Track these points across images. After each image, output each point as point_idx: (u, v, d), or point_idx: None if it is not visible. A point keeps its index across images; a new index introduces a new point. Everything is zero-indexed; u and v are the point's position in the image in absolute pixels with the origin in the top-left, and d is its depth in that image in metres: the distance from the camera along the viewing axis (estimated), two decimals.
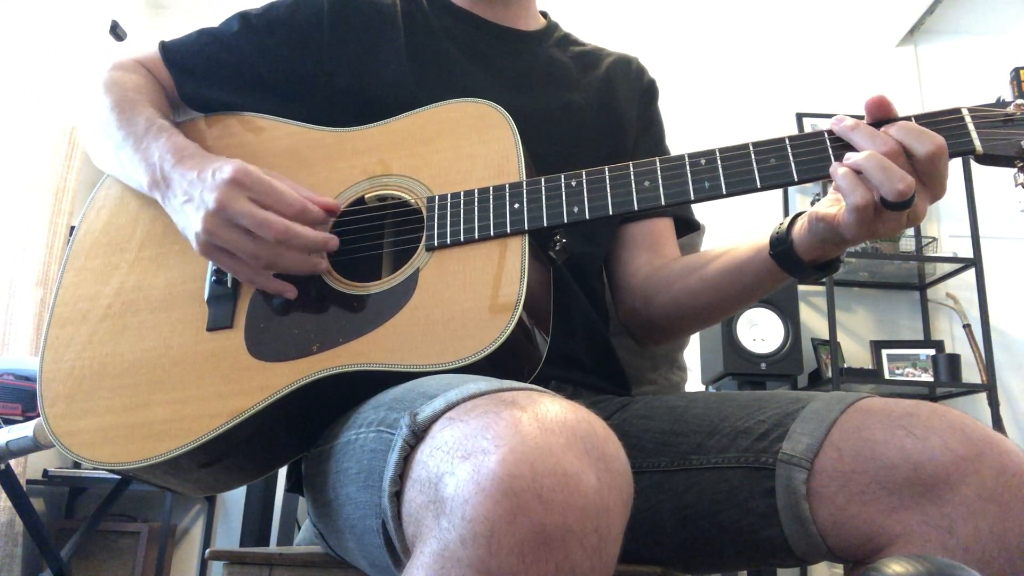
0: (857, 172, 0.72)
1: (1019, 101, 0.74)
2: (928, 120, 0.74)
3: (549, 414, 0.51)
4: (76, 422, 0.82)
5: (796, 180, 0.75)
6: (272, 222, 0.77)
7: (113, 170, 0.95)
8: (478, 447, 0.49)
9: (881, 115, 0.75)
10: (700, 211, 1.17)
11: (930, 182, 0.73)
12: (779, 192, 3.45)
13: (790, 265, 0.84)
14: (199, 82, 1.00)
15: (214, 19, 1.05)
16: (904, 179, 0.70)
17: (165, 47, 1.02)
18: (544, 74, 1.06)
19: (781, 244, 0.84)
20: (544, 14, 1.16)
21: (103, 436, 0.80)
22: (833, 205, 0.77)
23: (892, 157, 0.71)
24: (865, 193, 0.71)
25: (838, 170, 0.73)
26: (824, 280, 3.17)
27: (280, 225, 0.77)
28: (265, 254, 0.78)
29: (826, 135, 0.76)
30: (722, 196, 0.77)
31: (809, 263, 0.83)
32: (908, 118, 0.74)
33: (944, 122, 0.74)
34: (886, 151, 0.71)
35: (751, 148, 0.77)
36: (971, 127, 0.73)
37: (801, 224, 0.83)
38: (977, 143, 0.73)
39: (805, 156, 0.76)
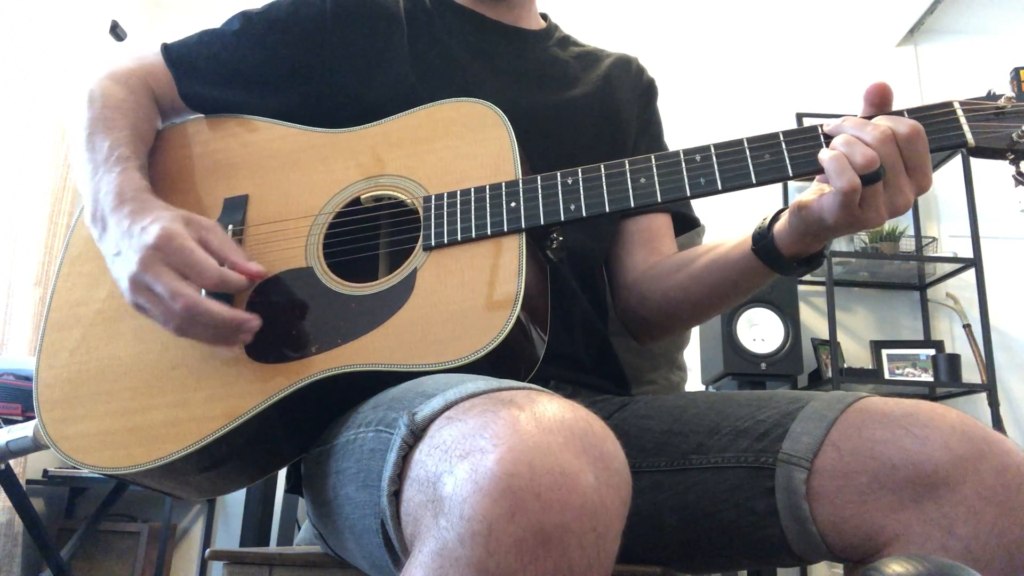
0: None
1: (1010, 95, 0.75)
2: (920, 114, 0.75)
3: (547, 413, 0.51)
4: (73, 426, 0.82)
5: (791, 175, 0.76)
6: (179, 294, 0.76)
7: (78, 188, 0.95)
8: (476, 446, 0.50)
9: (879, 100, 0.76)
10: (701, 210, 1.17)
11: (913, 171, 0.73)
12: (779, 190, 3.45)
13: (771, 260, 0.84)
14: (200, 82, 1.00)
15: (214, 18, 1.05)
16: (865, 153, 0.70)
17: (166, 48, 1.02)
18: (545, 72, 1.07)
19: (762, 239, 0.84)
20: (544, 16, 1.17)
21: (100, 440, 0.80)
22: (815, 194, 0.77)
23: (882, 142, 0.71)
24: (853, 178, 0.71)
25: (825, 154, 0.73)
26: (824, 280, 3.17)
27: (185, 299, 0.76)
28: (175, 323, 0.77)
29: (820, 129, 0.76)
30: (718, 192, 0.77)
31: (790, 257, 0.83)
32: (901, 112, 0.75)
33: (936, 115, 0.74)
34: (876, 135, 0.71)
35: (745, 143, 0.77)
36: (963, 120, 0.74)
37: (783, 219, 0.83)
38: (969, 136, 0.73)
39: (799, 150, 0.76)
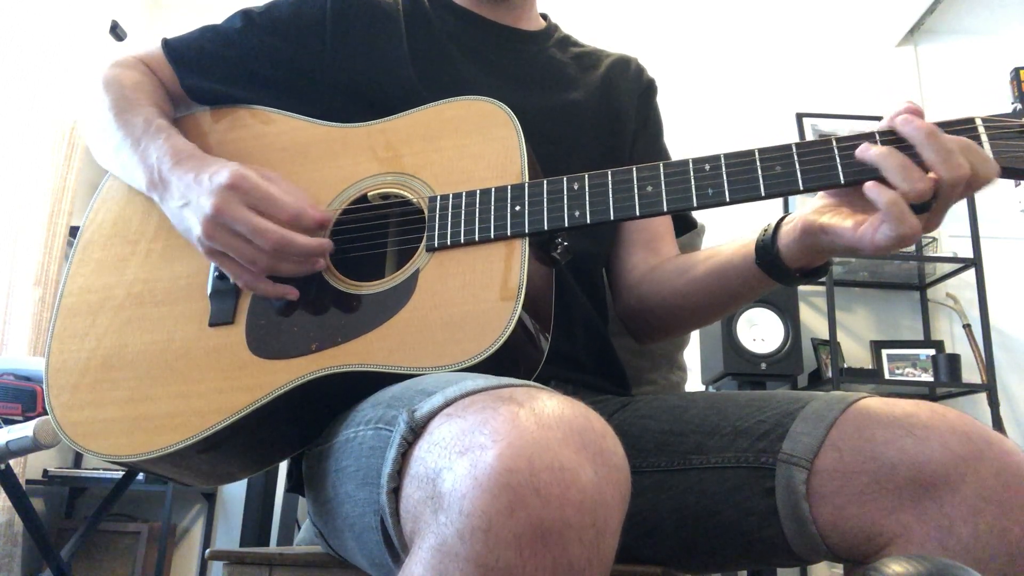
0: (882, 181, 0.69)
1: None
2: (942, 129, 0.71)
3: (546, 409, 0.52)
4: (80, 412, 0.82)
5: (801, 189, 0.73)
6: (268, 231, 0.77)
7: (114, 169, 0.96)
8: (476, 442, 0.50)
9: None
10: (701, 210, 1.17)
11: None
12: None
13: (777, 273, 0.83)
14: (202, 77, 1.00)
15: (214, 18, 1.05)
16: (923, 179, 0.68)
17: (167, 43, 1.02)
18: (544, 73, 1.07)
19: (767, 253, 0.83)
20: (544, 16, 1.17)
21: (105, 427, 0.81)
22: (834, 216, 0.75)
23: (958, 183, 0.68)
24: (915, 224, 0.68)
25: (885, 196, 0.68)
26: (824, 280, 3.17)
27: (276, 234, 0.77)
28: (263, 260, 0.79)
29: (834, 143, 0.73)
30: (725, 203, 0.75)
31: (797, 270, 0.82)
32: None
33: (957, 132, 0.71)
34: (958, 175, 0.67)
35: (756, 155, 0.75)
36: (984, 138, 0.71)
37: (788, 232, 0.81)
38: (989, 155, 0.70)
39: (812, 164, 0.73)
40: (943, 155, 0.68)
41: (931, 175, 0.68)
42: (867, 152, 0.70)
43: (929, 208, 0.70)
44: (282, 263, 0.79)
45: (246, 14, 1.01)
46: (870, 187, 0.70)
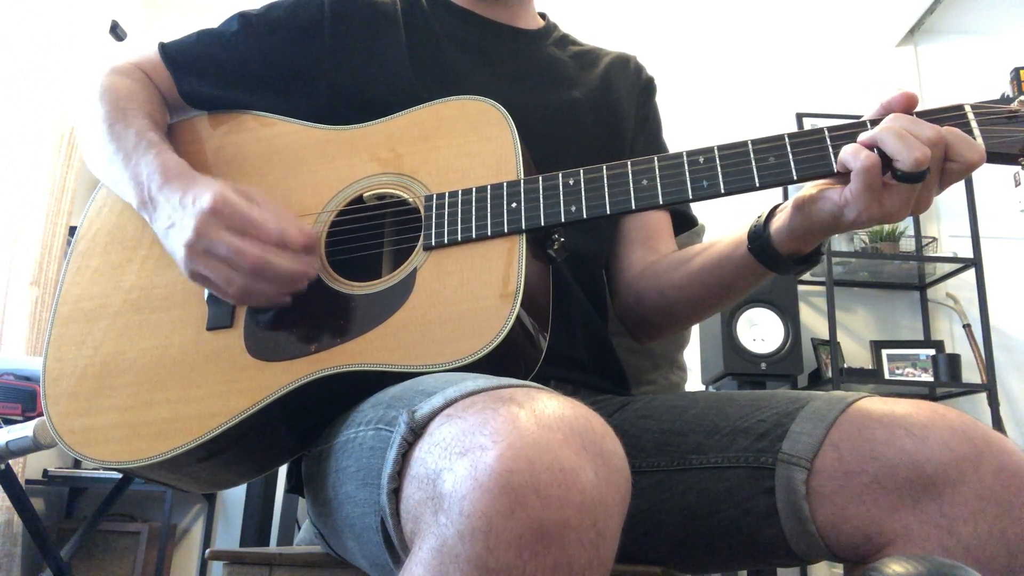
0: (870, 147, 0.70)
1: (1023, 97, 0.73)
2: (930, 117, 0.72)
3: (547, 410, 0.52)
4: (79, 420, 0.82)
5: (795, 179, 0.74)
6: (247, 252, 0.76)
7: (106, 182, 0.96)
8: (476, 443, 0.50)
9: (902, 110, 0.74)
10: (701, 209, 1.17)
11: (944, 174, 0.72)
12: (779, 189, 3.45)
13: (768, 259, 0.83)
14: (199, 81, 1.00)
15: (214, 19, 1.05)
16: (921, 148, 0.68)
17: (164, 47, 1.02)
18: (543, 72, 1.07)
19: (758, 238, 0.83)
20: (543, 15, 1.16)
21: (104, 435, 0.81)
22: (826, 189, 0.76)
23: (936, 143, 0.69)
24: (870, 154, 0.69)
25: (844, 148, 0.71)
26: (824, 280, 3.17)
27: (253, 256, 0.76)
28: (240, 283, 0.78)
29: (826, 132, 0.75)
30: (720, 195, 0.76)
31: (787, 256, 0.82)
32: (911, 115, 0.74)
33: (946, 119, 0.72)
34: (932, 135, 0.69)
35: (750, 146, 0.76)
36: (973, 124, 0.71)
37: (781, 216, 0.82)
38: (979, 140, 0.71)
39: (805, 154, 0.74)
40: (907, 141, 0.69)
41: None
42: (867, 136, 0.71)
43: (924, 179, 0.70)
44: (259, 285, 0.78)
45: (243, 16, 1.01)
46: (843, 150, 0.71)
